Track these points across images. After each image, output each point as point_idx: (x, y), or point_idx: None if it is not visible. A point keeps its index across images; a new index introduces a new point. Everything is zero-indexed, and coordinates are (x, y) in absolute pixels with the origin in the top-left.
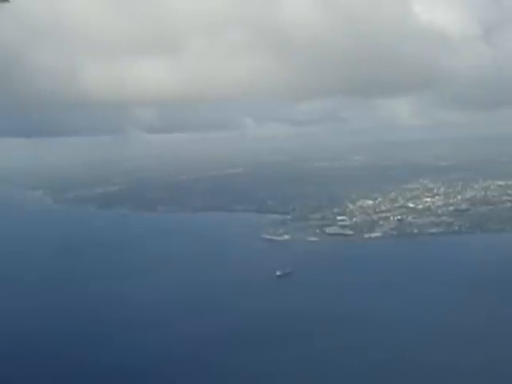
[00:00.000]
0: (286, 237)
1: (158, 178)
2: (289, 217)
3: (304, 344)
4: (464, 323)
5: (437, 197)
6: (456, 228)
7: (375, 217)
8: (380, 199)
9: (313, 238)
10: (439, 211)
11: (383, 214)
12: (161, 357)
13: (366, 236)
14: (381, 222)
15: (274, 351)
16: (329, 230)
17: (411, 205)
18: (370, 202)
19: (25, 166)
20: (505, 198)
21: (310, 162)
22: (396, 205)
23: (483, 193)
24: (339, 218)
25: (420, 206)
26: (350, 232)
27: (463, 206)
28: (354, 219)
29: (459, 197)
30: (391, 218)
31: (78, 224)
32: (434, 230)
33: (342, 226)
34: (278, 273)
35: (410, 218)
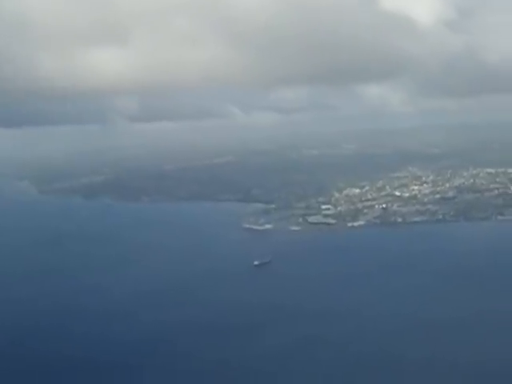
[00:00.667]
0: (268, 226)
1: (146, 167)
2: (273, 206)
3: (276, 337)
4: (445, 314)
5: (425, 185)
6: (440, 216)
7: (360, 205)
8: (367, 188)
9: (294, 228)
10: (425, 199)
11: (368, 203)
12: (133, 348)
13: (349, 225)
14: (365, 211)
15: (244, 344)
16: (311, 219)
17: (397, 193)
18: (357, 191)
19: (10, 156)
20: (492, 185)
21: (300, 150)
22: (383, 193)
23: (472, 180)
24: (324, 206)
25: (406, 195)
26: (332, 221)
27: (450, 194)
28: (339, 208)
29: (447, 185)
30: (376, 206)
31: (61, 215)
32: (417, 219)
33: (326, 215)
34: (255, 262)
35: (395, 207)
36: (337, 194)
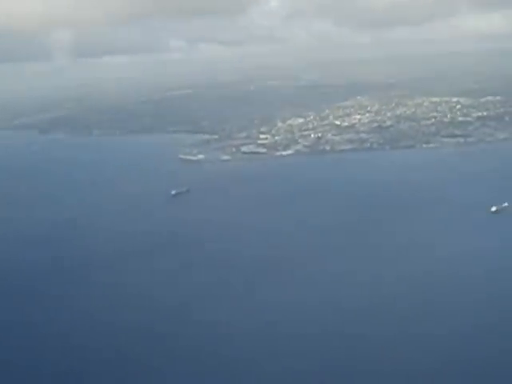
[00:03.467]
0: (200, 156)
1: (102, 101)
2: (216, 136)
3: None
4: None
5: (367, 114)
6: (368, 145)
7: (298, 135)
8: (311, 117)
9: (225, 157)
10: (361, 128)
11: (306, 132)
12: None
13: (278, 154)
14: (299, 140)
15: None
16: (244, 148)
17: (337, 122)
18: (300, 120)
19: None
20: (432, 114)
21: (257, 82)
22: (324, 122)
23: (414, 109)
24: (262, 136)
25: (346, 124)
26: (263, 150)
27: (388, 123)
28: (276, 138)
29: (388, 114)
30: (312, 135)
31: (8, 149)
32: (345, 147)
33: (259, 145)
34: (172, 192)
35: (329, 136)
36: (280, 124)
